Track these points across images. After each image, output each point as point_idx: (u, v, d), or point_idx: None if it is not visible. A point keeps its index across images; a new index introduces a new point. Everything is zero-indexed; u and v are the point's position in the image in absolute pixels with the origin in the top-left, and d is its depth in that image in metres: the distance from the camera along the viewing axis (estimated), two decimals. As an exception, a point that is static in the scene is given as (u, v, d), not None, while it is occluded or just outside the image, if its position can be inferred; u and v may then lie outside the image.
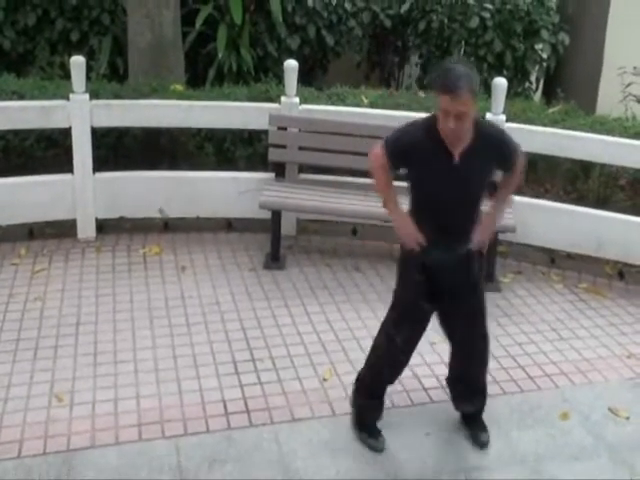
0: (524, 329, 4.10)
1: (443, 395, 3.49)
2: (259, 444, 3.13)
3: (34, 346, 3.73)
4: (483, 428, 3.27)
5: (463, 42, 7.04)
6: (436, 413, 3.39)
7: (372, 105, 5.19)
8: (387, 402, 3.42)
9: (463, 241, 2.95)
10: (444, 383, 3.56)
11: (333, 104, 5.19)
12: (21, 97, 4.94)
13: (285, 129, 4.89)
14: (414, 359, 3.72)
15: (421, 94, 5.67)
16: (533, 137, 4.66)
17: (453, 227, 2.92)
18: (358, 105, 5.19)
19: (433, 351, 3.82)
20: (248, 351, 3.78)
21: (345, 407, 3.37)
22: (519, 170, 3.06)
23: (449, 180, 2.83)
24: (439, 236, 2.91)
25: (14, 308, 4.06)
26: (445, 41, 7.13)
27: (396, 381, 3.27)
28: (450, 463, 3.13)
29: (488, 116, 4.70)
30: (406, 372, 3.62)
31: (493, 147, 2.88)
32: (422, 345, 3.84)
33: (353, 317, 4.13)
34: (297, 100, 4.96)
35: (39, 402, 3.31)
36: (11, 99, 4.88)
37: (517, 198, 4.54)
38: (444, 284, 2.97)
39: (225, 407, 3.35)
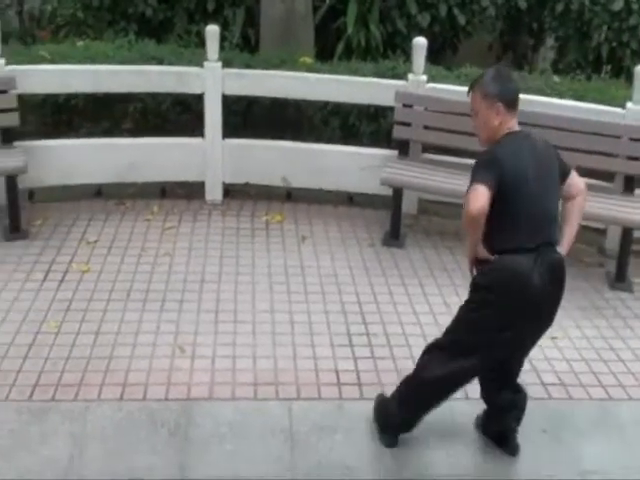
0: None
1: (563, 392, 3.38)
2: (369, 417, 3.13)
3: (161, 298, 3.92)
4: None
5: (605, 26, 6.65)
6: (554, 411, 3.27)
7: (502, 87, 5.01)
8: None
9: None
10: (565, 380, 3.46)
11: (461, 84, 5.04)
12: (159, 62, 5.16)
13: (411, 107, 4.83)
14: (534, 353, 3.62)
15: (555, 78, 5.43)
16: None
17: None
18: (487, 87, 5.03)
19: (554, 346, 3.69)
20: (363, 325, 3.80)
21: (459, 391, 3.31)
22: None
23: None
24: None
25: (145, 261, 4.29)
26: (585, 25, 6.75)
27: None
28: (565, 463, 3.01)
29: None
30: (525, 365, 3.51)
31: None
32: (543, 340, 3.71)
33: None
34: (424, 78, 4.89)
35: (163, 351, 3.48)
36: (150, 64, 5.11)
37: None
38: None
39: (338, 377, 3.38)
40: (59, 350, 3.44)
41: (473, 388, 3.19)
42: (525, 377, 3.42)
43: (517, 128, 2.74)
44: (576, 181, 2.85)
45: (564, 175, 2.81)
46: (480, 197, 2.56)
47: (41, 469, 2.75)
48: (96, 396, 3.14)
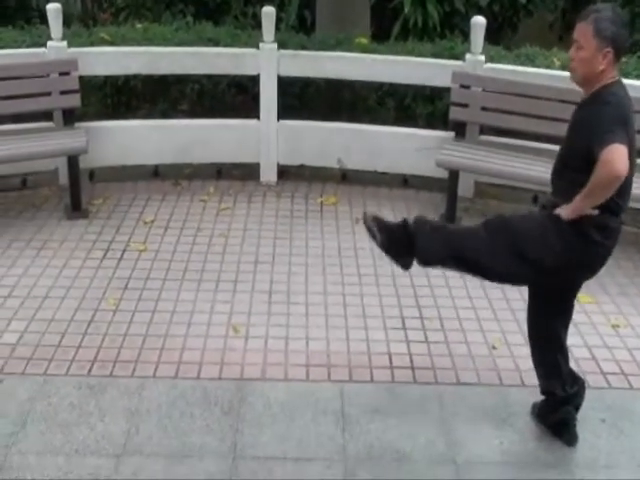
0: None
1: (623, 382, 3.28)
2: (422, 402, 3.11)
3: (216, 278, 3.97)
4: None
5: (676, 3, 6.37)
6: (613, 400, 3.17)
7: (564, 68, 4.83)
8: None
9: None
10: (626, 369, 3.35)
11: (521, 64, 4.93)
12: (216, 44, 5.20)
13: (468, 88, 4.74)
14: (593, 340, 3.54)
15: (621, 58, 5.20)
16: None
17: (552, 184, 2.79)
18: (548, 67, 4.88)
19: (616, 334, 3.58)
20: (417, 308, 3.76)
21: (514, 378, 3.26)
22: (597, 171, 2.45)
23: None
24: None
25: (200, 241, 4.35)
26: (653, 1, 6.49)
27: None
28: (624, 454, 2.91)
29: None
30: (584, 353, 3.45)
31: (587, 118, 2.55)
32: (604, 328, 3.64)
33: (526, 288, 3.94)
34: (482, 58, 4.77)
35: (218, 330, 3.52)
36: (207, 46, 5.15)
37: None
38: None
39: (390, 360, 3.36)
40: (117, 327, 3.52)
41: (528, 375, 3.15)
42: (584, 365, 3.35)
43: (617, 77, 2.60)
44: None
45: None
46: (625, 158, 2.43)
47: (98, 443, 2.82)
48: (152, 373, 3.20)
